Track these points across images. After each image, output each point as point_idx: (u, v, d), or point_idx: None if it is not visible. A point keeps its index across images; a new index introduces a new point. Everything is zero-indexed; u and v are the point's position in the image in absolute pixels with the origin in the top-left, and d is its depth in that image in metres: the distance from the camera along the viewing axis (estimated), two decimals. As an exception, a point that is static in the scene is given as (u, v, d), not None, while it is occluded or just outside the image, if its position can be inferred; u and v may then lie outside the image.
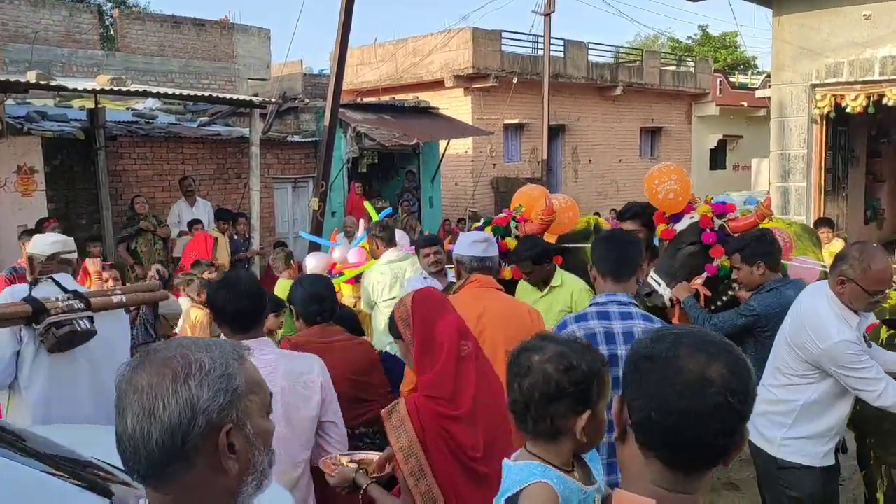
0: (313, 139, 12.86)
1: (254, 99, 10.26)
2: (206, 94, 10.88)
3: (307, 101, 13.74)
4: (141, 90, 9.29)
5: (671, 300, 4.26)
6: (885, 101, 9.44)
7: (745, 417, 1.14)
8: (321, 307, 3.23)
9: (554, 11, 17.42)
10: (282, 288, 6.04)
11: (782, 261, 4.55)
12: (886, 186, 13.45)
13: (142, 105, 13.18)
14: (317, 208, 9.81)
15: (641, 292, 4.35)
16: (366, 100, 17.36)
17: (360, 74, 20.58)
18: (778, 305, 3.74)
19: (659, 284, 4.31)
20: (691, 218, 4.43)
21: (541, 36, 18.35)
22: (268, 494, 1.89)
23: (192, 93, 10.69)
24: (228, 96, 10.57)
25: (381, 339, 5.30)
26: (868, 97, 9.52)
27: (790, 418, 3.14)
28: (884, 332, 3.85)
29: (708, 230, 4.35)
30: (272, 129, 12.89)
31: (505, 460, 1.66)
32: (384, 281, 5.31)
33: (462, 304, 3.20)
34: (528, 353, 1.67)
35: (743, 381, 1.14)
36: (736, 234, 4.35)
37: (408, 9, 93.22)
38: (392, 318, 2.54)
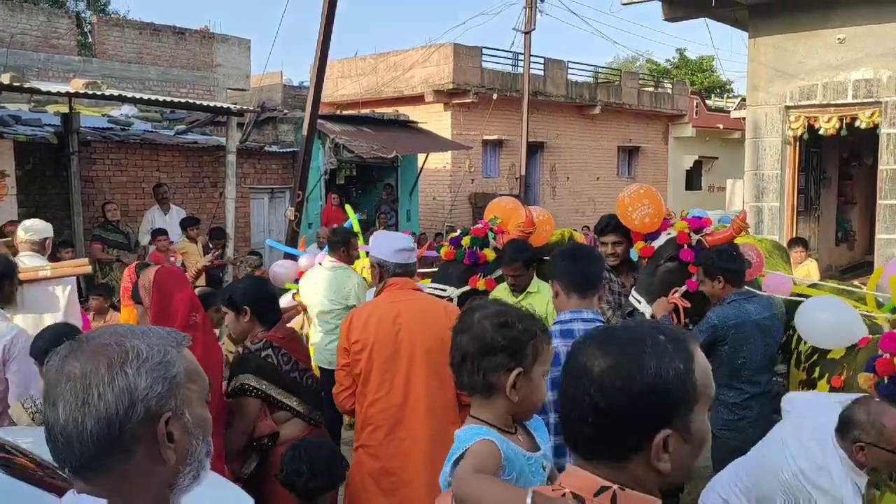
0: (291, 150, 12.80)
1: (231, 106, 10.20)
2: (183, 100, 10.78)
3: (286, 111, 13.69)
4: (116, 94, 9.18)
5: (652, 317, 4.26)
6: (857, 123, 9.60)
7: (601, 411, 1.14)
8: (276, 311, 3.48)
9: (534, 29, 17.55)
10: None
11: (755, 276, 4.59)
12: (857, 209, 13.65)
13: (118, 112, 13.04)
14: (293, 218, 9.74)
15: (624, 312, 4.36)
16: (345, 112, 17.34)
17: (341, 87, 20.58)
18: (735, 317, 3.76)
19: (640, 302, 4.30)
20: (668, 234, 4.42)
21: (521, 53, 18.47)
22: (228, 494, 1.83)
23: (168, 98, 10.60)
24: (205, 103, 10.49)
25: (316, 343, 5.33)
26: (841, 119, 9.68)
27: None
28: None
29: (686, 247, 4.36)
30: (250, 138, 12.81)
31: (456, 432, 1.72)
32: (308, 285, 5.38)
33: (380, 306, 3.22)
34: (473, 311, 1.79)
35: (616, 378, 1.14)
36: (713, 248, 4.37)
37: (389, 23, 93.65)
38: (136, 285, 2.80)
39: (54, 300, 4.39)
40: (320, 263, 5.63)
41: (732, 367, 3.85)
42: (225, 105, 10.71)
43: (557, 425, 2.39)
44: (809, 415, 3.02)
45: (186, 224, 9.13)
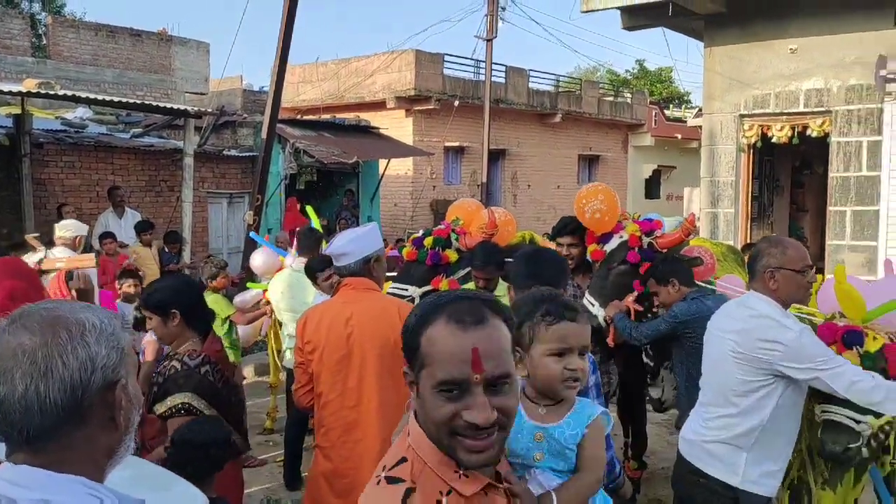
0: (251, 154, 12.66)
1: (188, 108, 10.06)
2: (138, 102, 10.60)
3: (245, 115, 13.55)
4: (69, 95, 8.99)
5: (605, 320, 4.30)
6: (808, 132, 9.84)
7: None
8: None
9: (496, 37, 17.66)
10: (211, 301, 5.91)
11: (708, 276, 4.68)
12: (809, 216, 13.98)
13: (72, 114, 12.78)
14: (251, 222, 9.64)
15: None
16: (306, 118, 17.24)
17: (302, 92, 20.46)
18: (698, 312, 3.88)
19: (593, 305, 4.35)
20: (620, 237, 4.49)
21: (483, 61, 18.57)
22: (178, 489, 1.79)
23: (123, 100, 10.42)
24: (161, 105, 10.34)
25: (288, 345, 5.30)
26: (793, 128, 9.92)
27: (750, 439, 2.94)
28: None
29: (635, 249, 4.42)
30: (208, 142, 12.66)
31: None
32: (278, 286, 5.34)
33: (332, 307, 3.19)
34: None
35: None
36: (664, 250, 4.44)
37: (351, 29, 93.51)
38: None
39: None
40: (291, 266, 5.56)
41: (698, 359, 3.93)
42: (182, 107, 10.57)
43: None
44: (719, 309, 3.24)
45: (141, 228, 8.98)
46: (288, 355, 5.34)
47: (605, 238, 4.55)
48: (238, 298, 6.53)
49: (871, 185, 9.40)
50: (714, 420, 3.00)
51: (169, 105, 11.06)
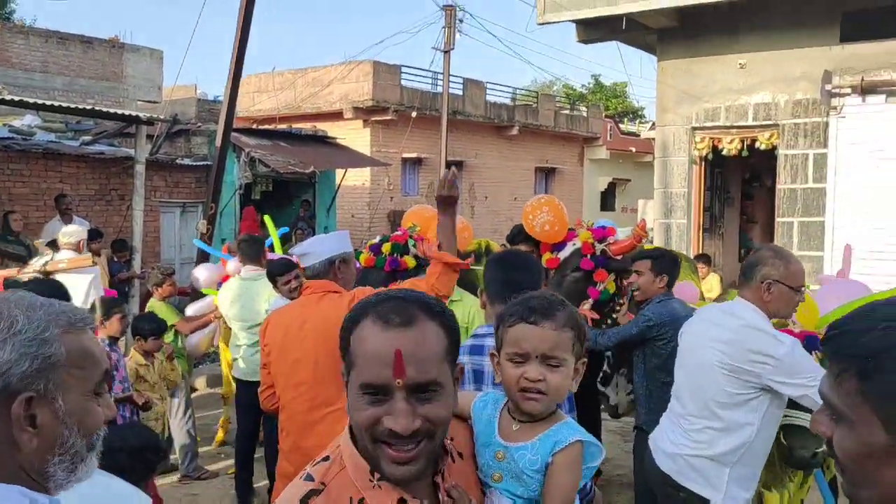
0: (204, 163, 12.47)
1: (140, 115, 9.88)
2: (88, 108, 10.37)
3: (199, 123, 13.36)
4: (16, 100, 8.76)
5: None
6: (757, 144, 10.09)
7: None
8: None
9: (453, 49, 17.80)
10: (156, 308, 5.80)
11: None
12: (758, 228, 14.30)
13: (20, 122, 12.45)
14: (205, 231, 9.48)
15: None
16: (262, 127, 17.09)
17: (257, 102, 20.28)
18: (668, 315, 3.89)
19: None
20: (573, 245, 4.53)
21: (440, 73, 18.67)
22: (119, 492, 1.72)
23: (72, 105, 10.18)
24: (111, 111, 10.13)
25: (240, 355, 5.22)
26: (742, 141, 10.15)
27: (735, 456, 2.84)
28: None
29: (588, 256, 4.45)
30: (161, 150, 12.43)
31: None
32: (227, 296, 5.27)
33: (291, 311, 3.20)
34: None
35: None
36: (617, 257, 4.48)
37: (307, 39, 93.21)
38: None
39: (79, 284, 5.55)
40: (239, 275, 5.49)
41: (666, 361, 3.97)
42: (133, 113, 10.38)
43: None
44: (699, 317, 3.18)
45: (89, 237, 8.76)
46: (241, 364, 5.26)
47: (559, 246, 4.59)
48: (191, 308, 6.43)
49: (817, 196, 9.66)
50: (698, 433, 2.89)
51: (119, 111, 10.85)
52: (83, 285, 5.66)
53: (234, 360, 5.37)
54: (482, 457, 1.57)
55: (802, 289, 2.89)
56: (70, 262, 5.68)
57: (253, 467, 5.30)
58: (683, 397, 3.01)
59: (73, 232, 6.46)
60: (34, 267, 5.45)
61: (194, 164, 12.57)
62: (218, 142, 9.69)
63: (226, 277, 6.05)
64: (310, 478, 1.24)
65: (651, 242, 8.05)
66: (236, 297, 5.30)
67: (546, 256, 4.60)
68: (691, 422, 2.93)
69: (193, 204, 12.58)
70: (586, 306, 4.34)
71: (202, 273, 6.52)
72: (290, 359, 3.07)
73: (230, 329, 5.60)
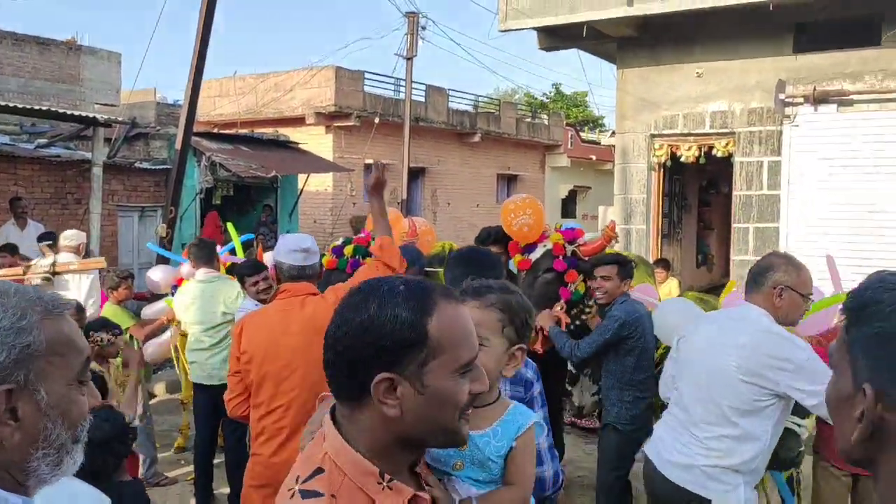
0: (164, 167, 12.30)
1: (97, 117, 9.72)
2: (44, 109, 10.16)
3: (158, 127, 13.19)
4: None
5: (539, 329, 4.35)
6: (714, 152, 10.30)
7: (329, 347, 1.24)
8: None
9: (416, 55, 17.84)
10: (111, 312, 5.71)
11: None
12: (715, 234, 14.60)
13: (-29, 123, 12.16)
14: (164, 235, 9.35)
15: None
16: (223, 132, 16.92)
17: (218, 106, 20.07)
18: (634, 312, 4.05)
19: None
20: (544, 247, 4.58)
21: (403, 79, 18.70)
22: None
23: (27, 106, 9.97)
24: (68, 112, 9.95)
25: (196, 359, 5.18)
26: (700, 148, 10.36)
27: (753, 464, 2.79)
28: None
29: (560, 257, 4.51)
30: (119, 154, 12.23)
31: None
32: (183, 300, 5.22)
33: (270, 315, 3.12)
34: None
35: (342, 316, 1.24)
36: (587, 258, 4.55)
37: (269, 44, 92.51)
38: None
39: (82, 284, 6.22)
40: (194, 278, 5.44)
41: (639, 359, 4.09)
42: (90, 115, 10.20)
43: None
44: (705, 322, 3.10)
45: (42, 240, 8.58)
46: (197, 368, 5.20)
47: (530, 248, 4.63)
48: (146, 311, 6.35)
49: (771, 203, 9.89)
50: (714, 441, 2.79)
51: (75, 112, 10.66)
52: (85, 285, 6.26)
53: (191, 363, 5.31)
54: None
55: (810, 297, 2.87)
56: (81, 264, 6.07)
57: (213, 473, 5.24)
58: (690, 406, 2.89)
59: (72, 236, 6.86)
60: (42, 267, 5.76)
61: (153, 167, 12.40)
62: (178, 145, 9.58)
63: (180, 280, 5.99)
64: (313, 493, 1.18)
65: (618, 240, 8.16)
66: (192, 300, 5.25)
67: (517, 258, 4.64)
68: (704, 429, 2.81)
69: (152, 208, 12.40)
70: (558, 307, 4.39)
71: (157, 275, 6.43)
72: (275, 365, 3.02)
73: (185, 334, 5.55)
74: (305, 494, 1.17)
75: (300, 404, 2.98)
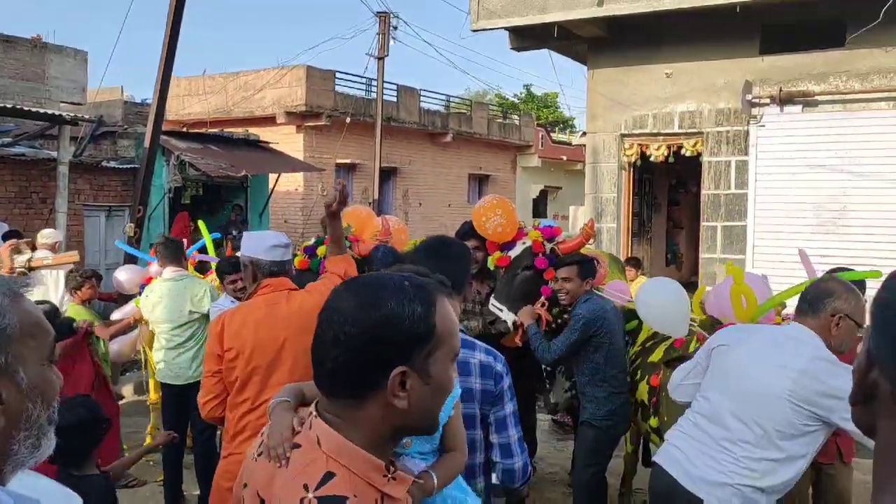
0: (132, 166, 12.14)
1: (64, 114, 9.57)
2: (8, 106, 9.98)
3: (125, 126, 13.01)
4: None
5: (514, 324, 4.37)
6: (683, 151, 10.43)
7: (342, 343, 1.21)
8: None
9: (387, 55, 17.82)
10: (74, 312, 5.63)
11: (600, 284, 4.87)
12: (684, 233, 14.78)
13: (-68, 122, 11.91)
14: (132, 234, 9.23)
15: (485, 320, 4.46)
16: (192, 131, 16.75)
17: (187, 105, 19.86)
18: (599, 310, 4.08)
19: (501, 310, 4.42)
20: (523, 244, 4.60)
21: (374, 79, 18.66)
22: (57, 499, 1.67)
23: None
24: (33, 110, 9.78)
25: (163, 358, 5.12)
26: (669, 147, 10.49)
27: (787, 486, 2.70)
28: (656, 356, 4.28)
29: (540, 255, 4.54)
30: (85, 153, 12.05)
31: None
32: (150, 299, 5.19)
33: (255, 310, 3.07)
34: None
35: (356, 312, 1.22)
36: (566, 254, 4.58)
37: (239, 43, 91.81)
38: None
39: (57, 280, 6.50)
40: (162, 276, 5.38)
41: (608, 354, 4.11)
42: (56, 112, 10.04)
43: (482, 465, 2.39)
44: (752, 335, 2.93)
45: (6, 238, 8.44)
46: (165, 368, 5.15)
47: (509, 245, 4.65)
48: (116, 313, 6.26)
49: (739, 201, 10.04)
50: (754, 462, 2.64)
51: (40, 109, 10.48)
52: (62, 281, 6.40)
53: (158, 363, 5.25)
54: None
55: (864, 326, 2.61)
56: (55, 259, 6.15)
57: (182, 474, 5.18)
58: (727, 422, 2.72)
59: (49, 234, 7.16)
60: (19, 262, 5.77)
61: (121, 166, 12.23)
62: (147, 143, 9.46)
63: (148, 280, 5.93)
64: (339, 499, 1.17)
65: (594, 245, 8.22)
66: (159, 299, 5.19)
67: (496, 255, 4.65)
68: (745, 449, 2.66)
69: (120, 208, 12.23)
70: (539, 305, 4.40)
71: (123, 275, 6.35)
72: (264, 360, 2.98)
73: (154, 333, 5.48)
74: (327, 501, 1.17)
75: None
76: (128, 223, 9.88)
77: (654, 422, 4.05)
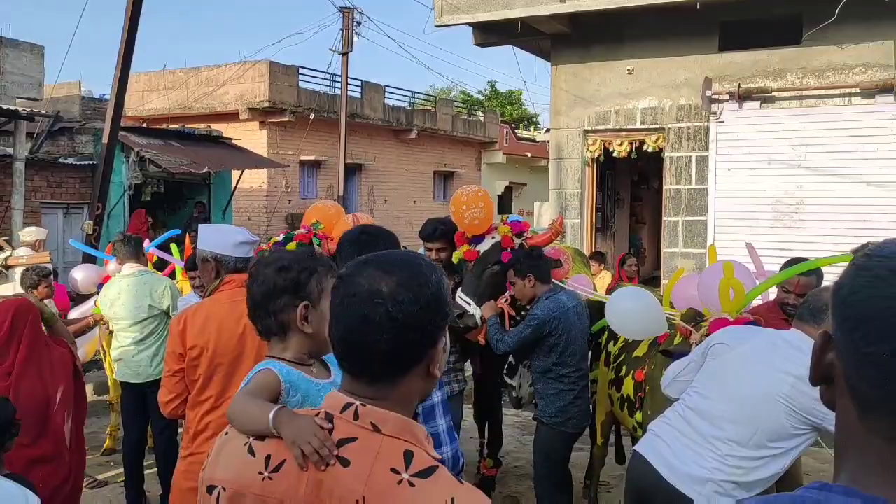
0: (90, 163, 11.92)
1: (20, 109, 9.36)
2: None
3: (83, 122, 12.76)
4: None
5: (482, 319, 4.38)
6: (645, 147, 10.55)
7: (400, 326, 1.20)
8: None
9: (351, 51, 17.72)
10: None
11: (563, 277, 4.89)
12: (647, 228, 14.96)
13: None
14: (91, 232, 9.06)
15: (453, 314, 4.46)
16: (153, 127, 16.49)
17: (147, 101, 19.54)
18: (556, 309, 4.06)
19: (469, 305, 4.42)
20: (493, 238, 4.60)
21: (338, 75, 18.55)
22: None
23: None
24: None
25: (122, 356, 5.05)
26: (631, 143, 10.60)
27: (768, 483, 2.71)
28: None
29: (509, 250, 4.55)
30: (42, 149, 11.79)
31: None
32: (108, 296, 5.12)
33: (218, 306, 3.02)
34: (257, 265, 2.00)
35: (411, 293, 1.21)
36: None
37: (201, 38, 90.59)
38: None
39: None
40: (120, 273, 5.29)
41: (562, 354, 4.11)
42: (11, 108, 9.81)
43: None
44: (752, 336, 2.90)
45: None
46: (124, 366, 5.06)
47: (478, 239, 4.65)
48: (74, 312, 6.14)
49: (699, 197, 10.19)
50: (738, 460, 2.66)
51: (-5, 106, 10.23)
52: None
53: (117, 361, 5.16)
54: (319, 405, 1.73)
55: None
56: (30, 259, 6.24)
57: (143, 474, 5.11)
58: (718, 420, 2.72)
59: (30, 232, 7.29)
60: None
61: (79, 163, 12.00)
62: (105, 139, 9.29)
63: (106, 279, 5.82)
64: (433, 468, 1.20)
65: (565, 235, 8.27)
66: (117, 295, 5.09)
67: (463, 248, 4.64)
68: (732, 448, 2.66)
69: (78, 205, 12.00)
70: (502, 300, 4.42)
71: (80, 274, 6.23)
72: (228, 357, 2.93)
73: (108, 332, 5.39)
74: (426, 473, 1.19)
75: None
76: (86, 221, 9.69)
77: (639, 416, 4.04)
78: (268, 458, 1.31)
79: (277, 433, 1.35)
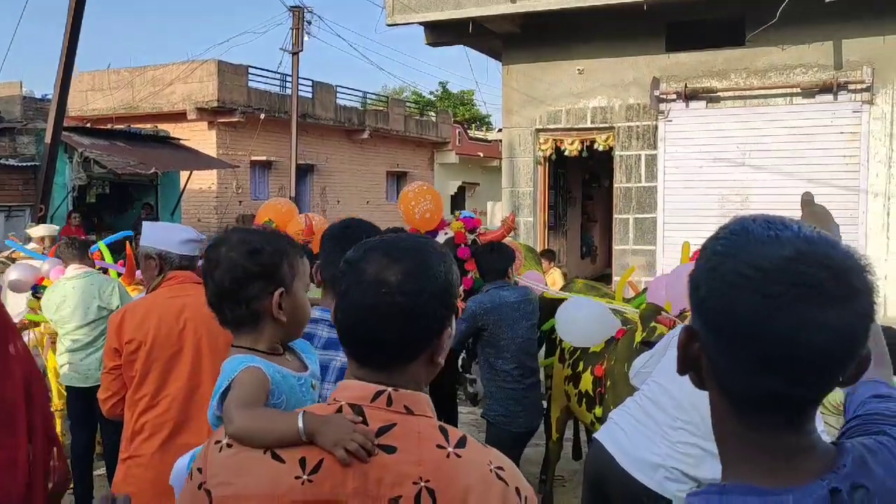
0: (32, 164, 11.60)
1: (-44, 110, 9.04)
2: None
3: (24, 122, 12.41)
4: None
5: None
6: (595, 146, 10.70)
7: (409, 315, 1.19)
8: None
9: (302, 51, 17.59)
10: None
11: (515, 274, 4.93)
12: (598, 226, 15.16)
13: None
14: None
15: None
16: (97, 128, 16.10)
17: (91, 101, 19.06)
18: (490, 302, 4.03)
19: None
20: (446, 234, 4.62)
21: (289, 75, 18.37)
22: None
23: None
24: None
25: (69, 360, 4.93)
26: (582, 142, 10.73)
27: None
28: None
29: (462, 245, 4.57)
30: (-19, 150, 11.44)
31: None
32: (52, 298, 4.96)
33: (158, 302, 2.97)
34: (216, 247, 1.71)
35: (419, 283, 1.20)
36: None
37: (146, 37, 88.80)
38: None
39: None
40: (67, 275, 5.15)
41: (498, 348, 4.06)
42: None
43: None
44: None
45: None
46: (71, 370, 4.93)
47: (431, 235, 4.66)
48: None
49: (649, 194, 10.38)
50: (690, 448, 2.68)
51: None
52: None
53: (63, 365, 5.01)
54: (306, 397, 1.67)
55: None
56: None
57: (92, 480, 4.99)
58: (670, 408, 2.75)
59: (38, 229, 7.62)
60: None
61: (21, 164, 11.67)
62: (48, 139, 9.05)
63: (41, 280, 5.64)
64: (464, 437, 1.23)
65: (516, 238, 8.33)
66: (63, 298, 4.94)
67: None
68: (682, 435, 2.70)
69: (20, 207, 11.67)
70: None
71: (14, 273, 5.99)
72: (166, 353, 2.86)
73: (45, 336, 5.24)
74: (462, 443, 1.21)
75: (185, 396, 2.85)
76: (29, 223, 9.42)
77: (598, 411, 4.02)
78: (303, 461, 1.24)
79: (310, 441, 1.27)
